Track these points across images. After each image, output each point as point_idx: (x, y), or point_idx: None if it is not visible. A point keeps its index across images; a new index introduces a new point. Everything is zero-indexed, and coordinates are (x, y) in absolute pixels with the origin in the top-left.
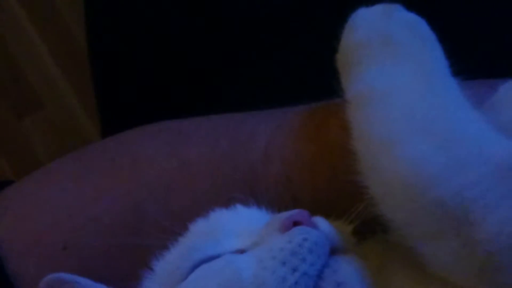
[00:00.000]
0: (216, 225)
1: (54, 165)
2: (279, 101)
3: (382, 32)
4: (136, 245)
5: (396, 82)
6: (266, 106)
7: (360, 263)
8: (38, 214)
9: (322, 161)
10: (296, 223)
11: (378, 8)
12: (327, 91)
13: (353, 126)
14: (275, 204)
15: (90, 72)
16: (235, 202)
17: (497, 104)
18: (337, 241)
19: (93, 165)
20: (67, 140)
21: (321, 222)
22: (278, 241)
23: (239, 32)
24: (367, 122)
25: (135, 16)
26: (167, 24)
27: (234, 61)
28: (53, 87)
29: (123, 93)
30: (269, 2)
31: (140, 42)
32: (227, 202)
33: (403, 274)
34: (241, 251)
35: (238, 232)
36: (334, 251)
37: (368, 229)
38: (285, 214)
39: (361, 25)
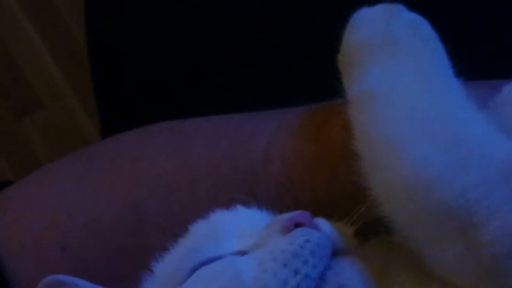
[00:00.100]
0: (217, 226)
1: (53, 166)
2: (279, 102)
3: (384, 32)
4: (135, 246)
5: (398, 82)
6: (266, 106)
7: (363, 265)
8: (37, 215)
9: (323, 162)
10: (297, 225)
11: (380, 8)
12: (328, 92)
13: (355, 126)
14: (275, 205)
15: (90, 72)
16: (235, 203)
17: (501, 105)
18: (339, 243)
19: (93, 165)
20: (67, 140)
21: (323, 223)
22: (279, 242)
23: (239, 32)
24: (369, 122)
25: (135, 16)
26: (167, 24)
27: (234, 61)
28: (53, 87)
29: (123, 93)
30: (269, 2)
31: (140, 42)
32: (227, 203)
33: (405, 276)
34: (242, 253)
35: (238, 234)
36: (336, 253)
37: (370, 230)
38: (286, 216)
39: (363, 25)
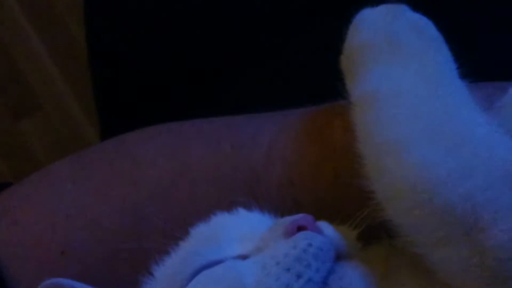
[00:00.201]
0: (218, 230)
1: (53, 167)
2: (280, 102)
3: (388, 33)
4: (135, 249)
5: (402, 84)
6: (267, 107)
7: (366, 269)
8: (37, 217)
9: (325, 164)
10: (300, 228)
11: (383, 9)
12: (330, 93)
13: (358, 128)
14: (277, 208)
15: (90, 73)
16: (236, 205)
17: (506, 107)
18: (342, 247)
19: (93, 167)
20: (66, 141)
21: (326, 227)
22: (282, 246)
23: (240, 32)
24: (373, 124)
25: (135, 16)
26: (167, 24)
27: (234, 61)
28: (52, 88)
29: (123, 93)
30: (270, 2)
31: (140, 42)
32: (228, 206)
33: (408, 280)
34: (244, 257)
35: (240, 237)
36: (339, 257)
37: (373, 234)
38: (289, 219)
39: (366, 26)
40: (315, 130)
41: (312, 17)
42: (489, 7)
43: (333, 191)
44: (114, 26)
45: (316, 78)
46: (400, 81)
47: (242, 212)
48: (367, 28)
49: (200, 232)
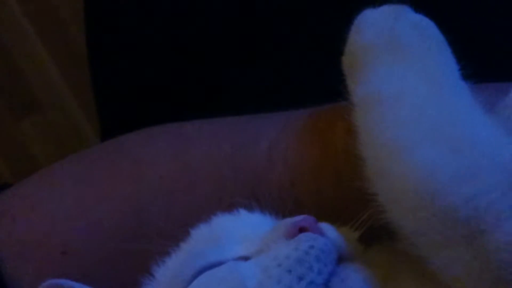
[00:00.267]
0: (219, 231)
1: (54, 168)
2: (281, 103)
3: (390, 34)
4: (136, 250)
5: (404, 85)
6: (267, 108)
7: (368, 271)
8: (37, 218)
9: (327, 166)
10: (302, 230)
11: (385, 9)
12: (332, 94)
13: (360, 130)
14: (278, 209)
15: (89, 73)
16: (237, 206)
17: (509, 108)
18: (344, 249)
19: (94, 168)
20: (66, 142)
21: (328, 228)
22: (283, 248)
23: (240, 33)
24: (375, 126)
25: (135, 16)
26: (166, 24)
27: (234, 61)
28: (52, 88)
29: (123, 94)
30: (270, 3)
31: (140, 42)
32: (229, 207)
33: (409, 282)
34: (245, 258)
35: (241, 238)
36: (341, 259)
37: (375, 236)
38: (290, 220)
39: (368, 27)
40: (317, 131)
41: (316, 18)
42: (491, 8)
43: (335, 193)
44: (114, 26)
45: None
46: (402, 82)
47: (243, 213)
48: (369, 29)
49: (201, 233)
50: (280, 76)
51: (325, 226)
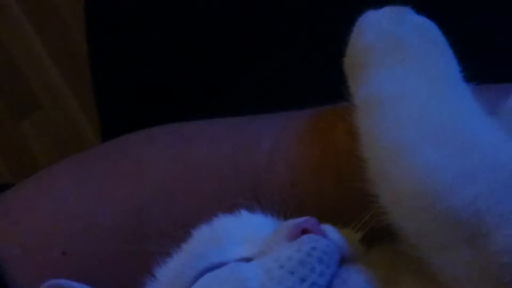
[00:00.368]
0: (220, 232)
1: (54, 168)
2: (282, 104)
3: (392, 35)
4: (137, 251)
5: (406, 86)
6: (268, 109)
7: (370, 272)
8: (38, 218)
9: (328, 167)
10: (304, 231)
11: (386, 11)
12: (333, 95)
13: (361, 131)
14: (279, 210)
15: (90, 73)
16: (239, 207)
17: (511, 110)
18: (346, 250)
19: (94, 168)
20: (66, 142)
21: (330, 230)
22: (285, 249)
23: (240, 33)
24: (376, 127)
25: (135, 16)
26: (166, 24)
27: (235, 61)
28: (52, 88)
29: (123, 94)
30: (271, 3)
31: (140, 42)
32: (231, 208)
33: (411, 284)
34: (247, 259)
35: (243, 239)
36: (343, 260)
37: (376, 237)
38: (293, 222)
39: (370, 28)
40: (318, 132)
41: (317, 19)
42: (493, 9)
43: (336, 194)
44: (115, 26)
45: (320, 81)
46: (404, 83)
47: (244, 214)
48: (370, 31)
49: (202, 234)
50: (280, 76)
51: (327, 228)
